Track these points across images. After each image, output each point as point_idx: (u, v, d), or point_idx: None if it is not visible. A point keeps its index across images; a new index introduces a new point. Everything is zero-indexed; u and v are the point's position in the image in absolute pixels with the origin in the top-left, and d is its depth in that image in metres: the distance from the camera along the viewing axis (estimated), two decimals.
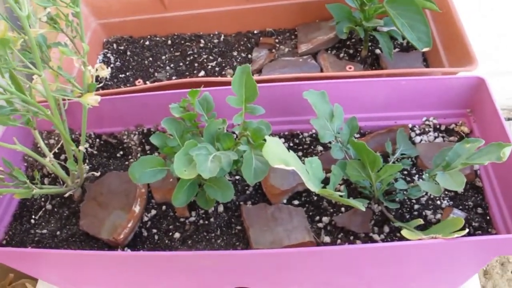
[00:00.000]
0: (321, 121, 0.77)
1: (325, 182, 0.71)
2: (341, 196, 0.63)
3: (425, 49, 0.86)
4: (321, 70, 1.04)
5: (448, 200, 0.80)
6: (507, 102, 2.19)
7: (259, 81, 0.88)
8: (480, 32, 1.60)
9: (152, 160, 0.77)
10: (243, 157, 0.67)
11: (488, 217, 0.78)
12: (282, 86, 0.88)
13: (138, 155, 0.97)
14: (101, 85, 1.17)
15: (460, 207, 0.79)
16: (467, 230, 0.61)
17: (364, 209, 0.62)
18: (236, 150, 0.74)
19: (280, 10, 1.17)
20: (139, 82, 1.01)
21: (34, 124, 0.82)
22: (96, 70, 0.86)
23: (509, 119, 2.27)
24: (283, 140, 0.94)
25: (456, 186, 0.64)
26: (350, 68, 0.94)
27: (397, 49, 1.09)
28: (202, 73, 1.15)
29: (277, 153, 0.56)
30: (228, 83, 0.91)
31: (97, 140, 1.02)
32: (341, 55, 1.10)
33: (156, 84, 0.96)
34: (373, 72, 0.91)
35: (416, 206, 0.80)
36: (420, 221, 0.71)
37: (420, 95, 0.88)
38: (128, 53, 1.24)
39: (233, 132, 0.83)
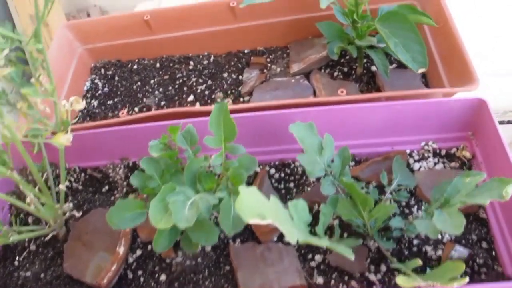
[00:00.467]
0: (309, 156, 0.72)
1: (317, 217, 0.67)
2: (333, 235, 0.57)
3: (420, 70, 0.80)
4: (314, 92, 0.99)
5: (450, 234, 0.75)
6: (503, 104, 2.13)
7: (247, 109, 0.84)
8: (476, 33, 1.53)
9: (131, 203, 0.72)
10: (221, 206, 0.62)
11: (493, 252, 0.72)
12: (272, 115, 0.83)
13: (124, 190, 0.93)
14: (88, 113, 1.13)
15: (463, 241, 0.74)
16: (467, 279, 0.55)
17: (353, 258, 0.57)
18: (219, 189, 0.70)
19: (271, 28, 1.12)
20: (122, 113, 0.97)
21: (11, 165, 0.78)
22: (71, 104, 0.82)
23: (508, 122, 2.20)
24: (273, 170, 0.88)
25: (455, 229, 0.59)
26: (342, 92, 0.89)
27: (394, 65, 1.03)
28: (191, 97, 1.10)
29: (251, 206, 0.51)
30: None
31: (82, 174, 0.97)
32: (335, 73, 1.05)
33: (139, 116, 0.92)
34: (366, 97, 0.86)
35: (415, 241, 0.74)
36: (419, 263, 0.65)
37: (418, 118, 0.82)
38: (116, 78, 1.20)
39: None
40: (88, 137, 0.93)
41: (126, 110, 1.01)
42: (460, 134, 0.84)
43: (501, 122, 2.31)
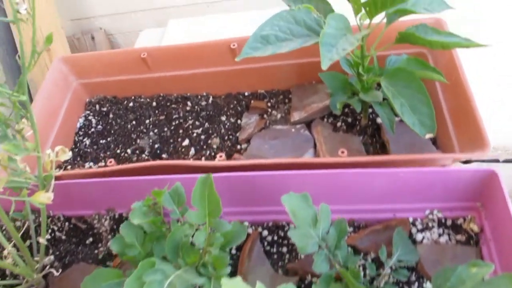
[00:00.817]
0: (301, 230, 0.66)
1: None
2: None
3: (428, 136, 0.74)
4: (314, 144, 0.93)
5: None
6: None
7: (240, 167, 0.78)
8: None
9: (108, 273, 0.67)
10: None
11: None
12: (266, 176, 0.78)
13: (108, 243, 0.87)
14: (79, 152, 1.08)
15: None
16: None
17: None
18: (202, 265, 0.64)
19: (273, 70, 1.06)
20: (110, 161, 0.92)
21: None
22: (57, 154, 0.77)
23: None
24: (266, 232, 0.83)
25: None
26: (342, 152, 0.83)
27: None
28: (186, 141, 1.05)
29: None
30: (206, 169, 0.81)
31: (66, 223, 0.92)
32: (338, 124, 0.99)
33: (126, 167, 0.87)
34: (367, 160, 0.80)
35: None
36: None
37: (423, 185, 0.76)
38: (111, 115, 1.15)
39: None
40: (74, 186, 0.88)
41: (113, 159, 0.95)
42: (468, 204, 0.78)
43: (511, 161, 2.23)
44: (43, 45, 0.68)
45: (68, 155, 0.76)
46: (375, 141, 0.96)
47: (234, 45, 1.03)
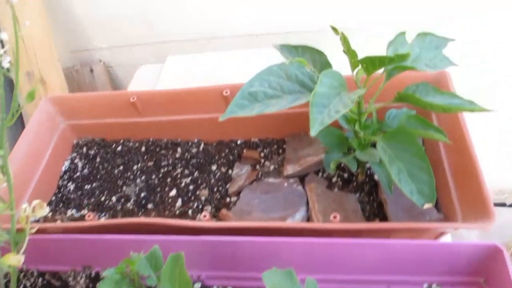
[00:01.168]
0: None
1: None
2: None
3: (426, 206, 0.68)
4: (307, 202, 0.87)
5: None
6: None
7: (224, 229, 0.73)
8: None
9: None
10: None
11: None
12: (250, 242, 0.72)
13: None
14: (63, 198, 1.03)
15: None
16: None
17: None
18: None
19: (268, 118, 1.01)
20: (89, 216, 0.86)
21: None
22: (33, 209, 0.72)
23: None
24: None
25: None
26: (335, 217, 0.77)
27: None
28: (173, 192, 0.99)
29: None
30: (188, 230, 0.76)
31: (40, 279, 0.86)
32: (334, 179, 0.93)
33: (105, 222, 0.81)
34: (360, 227, 0.74)
35: None
36: None
37: (422, 258, 0.70)
38: (98, 159, 1.10)
39: None
40: (49, 241, 0.83)
41: (93, 213, 0.89)
42: (470, 279, 0.72)
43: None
44: (25, 99, 0.64)
45: (45, 211, 0.71)
46: (372, 199, 0.90)
47: (226, 92, 0.98)
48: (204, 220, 0.78)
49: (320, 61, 0.82)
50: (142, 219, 0.79)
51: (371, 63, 0.67)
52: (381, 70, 0.75)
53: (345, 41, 0.73)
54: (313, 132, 0.60)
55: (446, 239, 0.95)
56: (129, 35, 1.84)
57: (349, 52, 0.73)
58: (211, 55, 1.60)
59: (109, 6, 1.71)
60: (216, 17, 1.68)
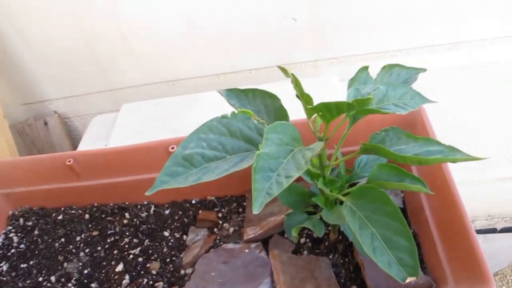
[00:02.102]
0: None
1: None
2: None
3: (408, 280, 0.55)
4: (271, 273, 0.74)
5: None
6: None
7: None
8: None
9: None
10: None
11: None
12: None
13: None
14: None
15: None
16: None
17: None
18: None
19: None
20: None
21: None
22: None
23: None
24: None
25: None
26: None
27: None
28: (120, 266, 0.86)
29: None
30: None
31: None
32: (302, 240, 0.80)
33: None
34: None
35: None
36: None
37: None
38: (37, 231, 0.96)
39: None
40: None
41: None
42: None
43: (510, 229, 2.06)
44: None
45: None
46: (347, 261, 0.77)
47: (172, 147, 0.85)
48: None
49: (273, 106, 0.70)
50: None
51: (327, 111, 0.55)
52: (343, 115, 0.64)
53: (297, 84, 0.61)
54: (255, 209, 0.47)
55: None
56: (85, 83, 1.71)
57: (303, 97, 0.61)
58: (171, 100, 1.48)
59: (59, 55, 1.59)
60: (175, 60, 1.57)
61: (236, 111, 0.61)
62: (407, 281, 0.55)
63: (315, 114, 0.62)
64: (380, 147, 0.55)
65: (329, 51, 1.51)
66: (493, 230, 2.06)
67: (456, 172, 0.70)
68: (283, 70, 0.63)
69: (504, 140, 1.55)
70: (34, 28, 1.49)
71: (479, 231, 1.46)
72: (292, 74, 0.62)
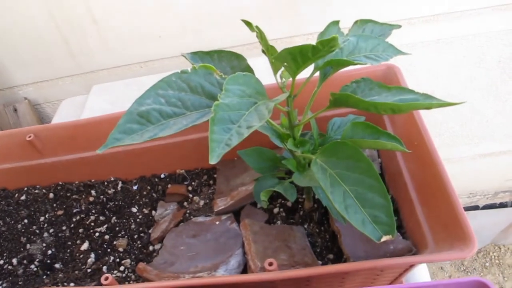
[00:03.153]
0: None
1: None
2: None
3: (384, 238, 0.52)
4: (243, 244, 0.70)
5: None
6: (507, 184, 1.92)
7: None
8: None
9: None
10: None
11: None
12: None
13: None
14: None
15: None
16: None
17: None
18: None
19: (194, 144, 0.84)
20: None
21: None
22: None
23: (500, 205, 2.00)
24: None
25: None
26: (270, 264, 0.59)
27: None
28: (85, 245, 0.81)
29: None
30: None
31: None
32: (275, 210, 0.76)
33: None
34: (304, 273, 0.56)
35: None
36: None
37: None
38: None
39: None
40: None
41: None
42: None
43: (492, 206, 2.04)
44: None
45: None
46: (323, 230, 0.73)
47: None
48: (106, 283, 0.60)
49: (240, 68, 0.65)
50: None
51: (291, 58, 0.51)
52: (312, 70, 0.60)
53: (262, 38, 0.57)
54: (212, 160, 0.43)
55: (421, 265, 0.79)
56: (55, 67, 1.65)
57: (268, 50, 0.57)
58: (142, 80, 1.43)
59: (28, 39, 1.53)
60: (148, 41, 1.51)
61: (196, 66, 0.56)
62: (382, 239, 0.52)
63: (281, 69, 0.59)
64: (350, 96, 0.51)
65: (305, 26, 1.47)
66: (475, 208, 2.05)
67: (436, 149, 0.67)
68: (247, 24, 0.59)
69: (484, 115, 1.53)
70: (1, 13, 1.43)
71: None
72: (257, 27, 0.58)
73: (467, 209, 1.94)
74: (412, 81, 0.77)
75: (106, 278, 0.61)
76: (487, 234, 2.17)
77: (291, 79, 0.57)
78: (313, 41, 1.27)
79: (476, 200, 1.97)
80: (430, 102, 0.49)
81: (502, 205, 1.99)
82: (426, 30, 1.45)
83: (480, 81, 1.36)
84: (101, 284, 0.62)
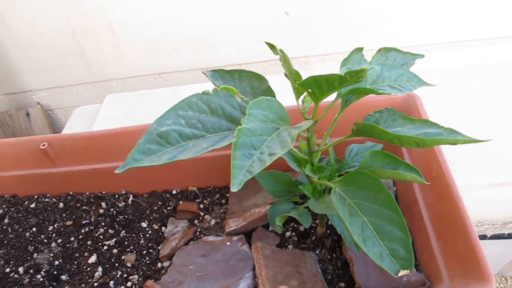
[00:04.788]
0: None
1: None
2: None
3: (402, 273, 0.51)
4: (253, 268, 0.69)
5: None
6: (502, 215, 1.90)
7: None
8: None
9: None
10: None
11: None
12: None
13: None
14: None
15: None
16: None
17: None
18: None
19: (208, 162, 0.84)
20: None
21: None
22: None
23: (508, 236, 1.96)
24: None
25: None
26: None
27: None
28: (93, 258, 0.80)
29: None
30: None
31: None
32: (287, 233, 0.75)
33: None
34: None
35: None
36: None
37: None
38: (7, 219, 0.91)
39: None
40: None
41: None
42: None
43: (500, 236, 2.02)
44: None
45: None
46: (335, 257, 0.72)
47: None
48: None
49: (261, 88, 0.65)
50: None
51: (317, 87, 0.51)
52: (334, 96, 0.59)
53: (285, 61, 0.56)
54: (234, 188, 0.42)
55: None
56: (69, 74, 1.66)
57: (291, 74, 0.56)
58: (156, 92, 1.43)
59: (45, 45, 1.53)
60: (163, 54, 1.52)
61: (218, 88, 0.56)
62: (400, 274, 0.51)
63: (304, 94, 0.58)
64: (374, 126, 0.50)
65: (321, 47, 1.47)
66: (483, 237, 2.02)
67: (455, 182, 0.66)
68: (271, 47, 0.59)
69: (496, 144, 1.51)
70: (19, 18, 1.44)
71: None
72: (281, 50, 0.57)
73: None
74: (425, 107, 0.76)
75: None
76: (494, 265, 2.14)
77: (313, 103, 0.57)
78: (328, 62, 1.27)
79: (484, 229, 1.94)
80: (456, 138, 0.48)
81: (511, 236, 1.96)
82: (442, 57, 1.45)
83: (494, 110, 1.35)
84: None
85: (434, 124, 0.52)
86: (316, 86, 0.51)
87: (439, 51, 1.45)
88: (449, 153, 1.35)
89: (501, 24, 1.38)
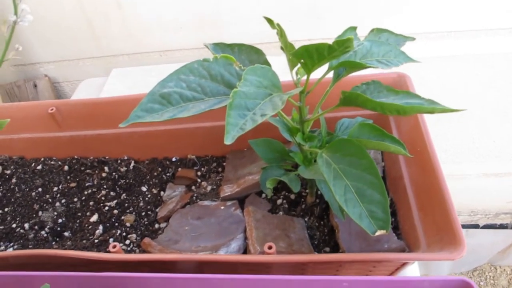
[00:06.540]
0: None
1: None
2: None
3: (379, 233, 0.55)
4: (245, 230, 0.73)
5: None
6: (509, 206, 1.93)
7: (134, 262, 0.58)
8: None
9: None
10: None
11: None
12: (156, 278, 0.57)
13: None
14: None
15: None
16: None
17: None
18: None
19: (206, 132, 0.88)
20: None
21: None
22: None
23: (500, 226, 2.00)
24: None
25: None
26: (270, 248, 0.62)
27: None
28: (95, 217, 0.85)
29: None
30: (90, 262, 0.61)
31: None
32: (279, 201, 0.80)
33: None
34: (299, 259, 0.60)
35: None
36: None
37: None
38: (14, 180, 0.95)
39: None
40: None
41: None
42: None
43: (492, 226, 2.06)
44: None
45: None
46: (323, 224, 0.77)
47: None
48: (113, 251, 0.64)
49: (259, 62, 0.69)
50: (38, 251, 0.65)
51: (308, 55, 0.55)
52: (325, 70, 0.63)
53: (281, 34, 0.60)
54: (227, 141, 0.46)
55: (413, 267, 0.82)
56: (77, 48, 1.69)
57: (286, 47, 0.60)
58: (162, 67, 1.47)
59: (54, 18, 1.57)
60: (167, 30, 1.55)
61: (218, 56, 0.60)
62: (377, 233, 0.55)
63: (297, 66, 0.62)
64: (359, 95, 0.54)
65: (324, 31, 1.50)
66: (475, 226, 2.06)
67: (441, 165, 0.70)
68: (269, 21, 0.63)
69: (492, 135, 1.55)
70: None
71: (461, 226, 1.46)
72: (278, 24, 0.61)
73: (467, 227, 1.96)
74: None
75: (114, 246, 0.65)
76: (484, 254, 2.18)
77: (305, 76, 0.61)
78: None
79: (476, 219, 1.98)
80: (434, 107, 0.52)
81: (502, 226, 2.00)
82: (442, 45, 1.48)
83: (490, 100, 1.38)
84: (108, 252, 0.65)
85: (416, 96, 0.56)
86: (308, 56, 0.55)
87: (440, 39, 1.49)
88: (443, 143, 1.39)
89: (502, 16, 1.41)
